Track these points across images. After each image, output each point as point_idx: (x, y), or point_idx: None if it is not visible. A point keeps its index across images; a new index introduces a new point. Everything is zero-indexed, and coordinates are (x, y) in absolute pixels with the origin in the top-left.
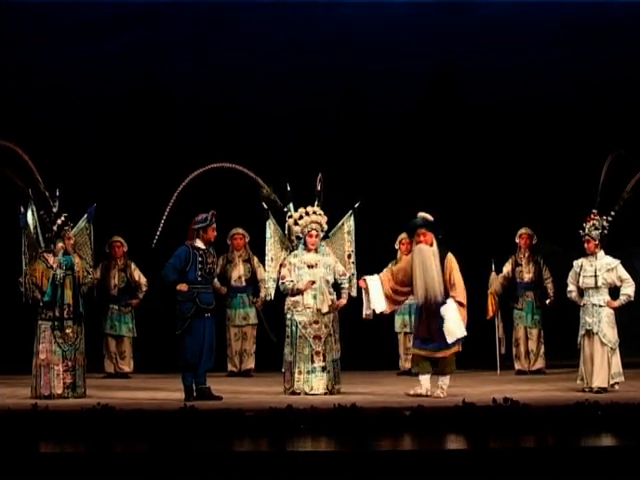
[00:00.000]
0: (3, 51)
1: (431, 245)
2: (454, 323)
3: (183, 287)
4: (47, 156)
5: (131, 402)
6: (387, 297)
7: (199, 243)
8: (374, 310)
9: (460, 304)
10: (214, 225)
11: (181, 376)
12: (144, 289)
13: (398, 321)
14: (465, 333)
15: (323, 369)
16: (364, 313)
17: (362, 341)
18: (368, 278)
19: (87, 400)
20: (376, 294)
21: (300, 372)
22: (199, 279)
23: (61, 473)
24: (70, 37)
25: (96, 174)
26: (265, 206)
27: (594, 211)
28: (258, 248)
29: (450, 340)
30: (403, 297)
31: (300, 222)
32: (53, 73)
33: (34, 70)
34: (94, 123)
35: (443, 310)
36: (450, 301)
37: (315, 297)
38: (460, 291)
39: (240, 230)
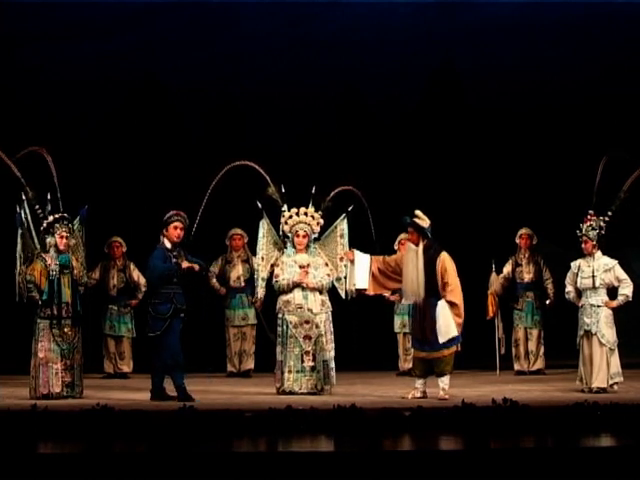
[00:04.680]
0: (2, 50)
1: (417, 244)
2: (444, 323)
3: (186, 264)
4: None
5: (130, 402)
6: (373, 277)
7: (167, 244)
8: (357, 288)
9: (452, 304)
10: (175, 223)
11: (154, 377)
12: (143, 289)
13: (397, 321)
14: (456, 333)
15: (313, 369)
16: (347, 289)
17: (361, 341)
18: (357, 252)
19: (86, 400)
20: (361, 270)
21: (290, 371)
22: (174, 280)
23: (60, 473)
24: (70, 37)
25: (95, 174)
26: (259, 205)
27: (591, 212)
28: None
29: (442, 340)
30: (391, 283)
31: (289, 222)
32: (52, 73)
33: (34, 69)
34: (94, 123)
35: (437, 311)
36: (441, 302)
37: (306, 297)
38: (453, 291)
39: (239, 231)
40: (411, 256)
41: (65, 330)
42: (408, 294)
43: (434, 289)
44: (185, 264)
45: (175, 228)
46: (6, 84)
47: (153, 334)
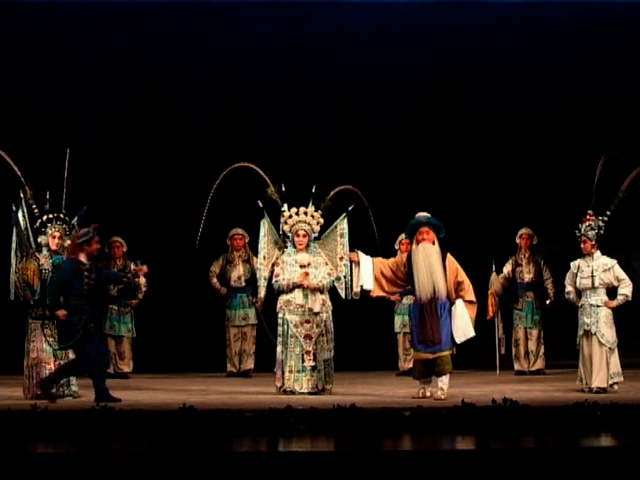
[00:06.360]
0: (2, 50)
1: (433, 244)
2: (462, 324)
3: (62, 313)
4: (45, 155)
5: (130, 402)
6: (375, 279)
7: (83, 257)
8: (362, 287)
9: (471, 302)
10: (97, 238)
11: (97, 381)
12: (144, 289)
13: (397, 321)
14: (473, 333)
15: (313, 368)
16: (353, 291)
17: (361, 341)
18: (361, 254)
19: (86, 400)
20: (366, 271)
21: (291, 371)
22: (84, 293)
23: (60, 474)
24: (70, 37)
25: (96, 174)
26: (261, 205)
27: (590, 212)
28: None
29: (458, 340)
30: (390, 287)
31: (289, 221)
32: (52, 72)
33: (34, 69)
34: (94, 123)
35: (453, 311)
36: (459, 301)
37: (307, 297)
38: (469, 289)
39: (240, 230)
40: (431, 254)
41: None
42: (432, 292)
43: (444, 289)
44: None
45: (97, 242)
46: (6, 84)
47: (65, 345)
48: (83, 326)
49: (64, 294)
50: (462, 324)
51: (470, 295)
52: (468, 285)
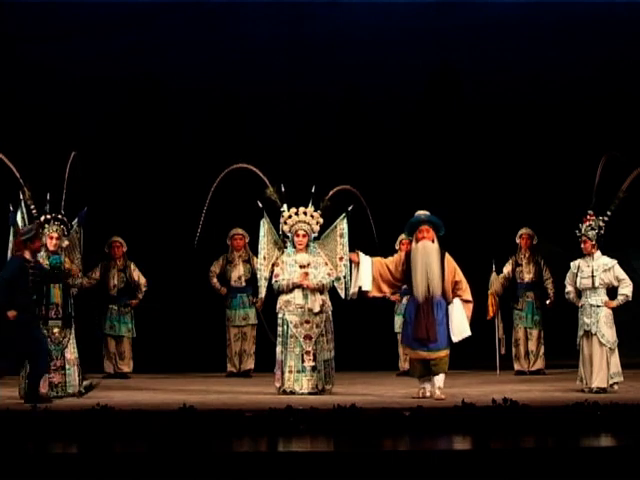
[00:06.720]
0: (2, 50)
1: (433, 242)
2: (459, 323)
3: (12, 314)
4: (45, 154)
5: (130, 402)
6: (373, 280)
7: (27, 255)
8: (360, 288)
9: (468, 301)
10: (40, 234)
11: (32, 380)
12: (143, 289)
13: (397, 321)
14: (469, 332)
15: (313, 369)
16: (350, 291)
17: (361, 341)
18: (361, 254)
19: (86, 400)
20: (365, 272)
21: (291, 371)
22: (29, 290)
23: (60, 473)
24: (70, 37)
25: (96, 174)
26: (260, 205)
27: (590, 212)
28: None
29: (455, 339)
30: (387, 288)
31: (288, 221)
32: (52, 72)
33: (34, 69)
34: (94, 123)
35: (450, 309)
36: (457, 300)
37: (306, 297)
38: (467, 289)
39: (240, 230)
40: (431, 252)
41: (54, 331)
42: (427, 291)
43: (438, 287)
44: (11, 313)
45: (40, 239)
46: (6, 84)
47: (22, 344)
48: (30, 323)
49: (11, 292)
50: (459, 323)
51: (468, 294)
52: (466, 285)
